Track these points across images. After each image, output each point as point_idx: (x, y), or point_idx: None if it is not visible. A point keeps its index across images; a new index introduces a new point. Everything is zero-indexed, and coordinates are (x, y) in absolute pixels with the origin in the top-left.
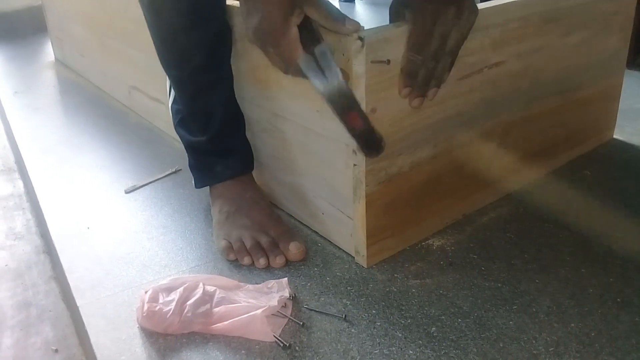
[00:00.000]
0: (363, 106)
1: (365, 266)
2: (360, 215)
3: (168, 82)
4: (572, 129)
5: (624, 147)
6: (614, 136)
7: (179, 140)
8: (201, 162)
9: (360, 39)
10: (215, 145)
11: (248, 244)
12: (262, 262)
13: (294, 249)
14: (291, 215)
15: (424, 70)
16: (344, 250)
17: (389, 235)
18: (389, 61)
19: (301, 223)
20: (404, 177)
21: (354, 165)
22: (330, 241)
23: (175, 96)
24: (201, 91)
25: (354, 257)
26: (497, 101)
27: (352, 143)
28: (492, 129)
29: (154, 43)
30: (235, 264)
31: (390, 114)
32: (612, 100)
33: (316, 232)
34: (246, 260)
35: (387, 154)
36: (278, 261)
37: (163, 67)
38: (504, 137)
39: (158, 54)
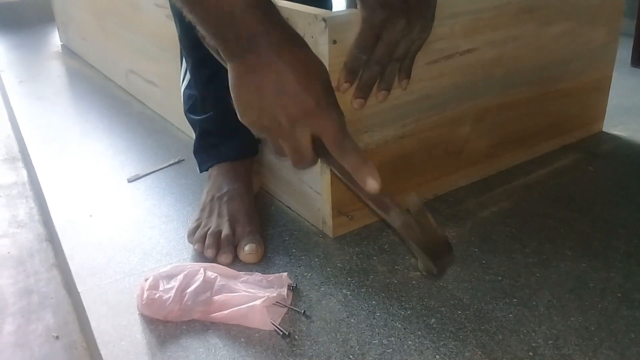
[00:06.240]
0: None
1: (331, 236)
2: (326, 188)
3: (182, 68)
4: (554, 119)
5: (628, 144)
6: (605, 129)
7: (183, 130)
8: (207, 142)
9: (324, 20)
10: (223, 122)
11: (210, 232)
12: (209, 252)
13: (248, 250)
14: (280, 200)
15: (367, 72)
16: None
17: (357, 208)
18: None
19: (289, 208)
20: (371, 154)
21: None
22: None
23: (189, 81)
24: (218, 73)
25: (322, 230)
26: (469, 87)
27: None
28: (465, 113)
29: (176, 28)
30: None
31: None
32: (600, 93)
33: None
34: (197, 247)
35: (353, 131)
36: (223, 259)
37: (183, 50)
38: (478, 122)
39: (179, 38)
